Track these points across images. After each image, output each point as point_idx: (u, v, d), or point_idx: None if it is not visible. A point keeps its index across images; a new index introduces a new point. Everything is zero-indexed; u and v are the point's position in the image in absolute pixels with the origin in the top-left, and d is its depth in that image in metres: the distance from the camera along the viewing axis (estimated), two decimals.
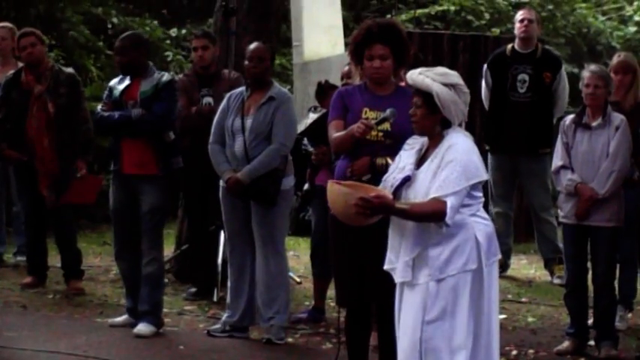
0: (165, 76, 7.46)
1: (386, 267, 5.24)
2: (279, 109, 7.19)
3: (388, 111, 5.74)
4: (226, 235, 7.56)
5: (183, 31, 14.37)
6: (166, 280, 8.38)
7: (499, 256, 5.25)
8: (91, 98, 10.27)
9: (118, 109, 7.34)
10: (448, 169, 5.00)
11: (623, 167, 7.11)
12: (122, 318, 7.60)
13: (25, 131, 8.45)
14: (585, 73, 7.17)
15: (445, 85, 5.11)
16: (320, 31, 12.67)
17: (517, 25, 9.39)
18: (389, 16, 14.50)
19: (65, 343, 7.05)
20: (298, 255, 10.11)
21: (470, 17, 15.68)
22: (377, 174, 5.61)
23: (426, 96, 5.12)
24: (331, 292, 7.14)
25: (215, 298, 8.24)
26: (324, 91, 7.86)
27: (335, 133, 5.93)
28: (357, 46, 5.94)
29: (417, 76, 5.15)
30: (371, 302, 5.88)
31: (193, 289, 8.48)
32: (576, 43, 15.82)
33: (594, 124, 7.14)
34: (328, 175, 6.78)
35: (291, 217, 9.61)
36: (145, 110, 7.26)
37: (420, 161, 5.17)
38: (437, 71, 5.16)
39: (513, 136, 9.19)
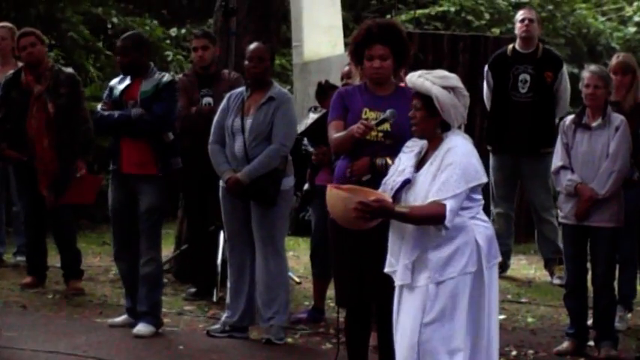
0: (166, 77, 7.46)
1: (386, 270, 5.24)
2: (279, 110, 7.19)
3: (388, 112, 5.74)
4: (226, 235, 7.56)
5: (183, 31, 14.35)
6: (166, 280, 8.39)
7: (499, 259, 5.25)
8: (91, 98, 10.27)
9: (118, 108, 7.34)
10: (447, 172, 5.00)
11: (623, 167, 7.11)
12: (122, 318, 7.60)
13: (25, 131, 8.44)
14: (585, 74, 7.17)
15: (445, 88, 5.11)
16: (320, 31, 12.67)
17: (518, 24, 9.38)
18: (389, 16, 14.49)
19: (65, 343, 7.05)
20: (298, 255, 10.10)
21: (470, 17, 15.66)
22: (377, 174, 5.61)
23: (425, 99, 5.12)
24: (331, 292, 7.13)
25: (215, 299, 8.24)
26: (324, 91, 7.85)
27: (335, 133, 5.92)
28: (357, 47, 5.94)
29: (417, 78, 5.15)
30: (371, 302, 5.88)
31: (193, 290, 8.48)
32: (576, 43, 15.80)
33: (594, 124, 7.14)
34: (328, 175, 6.77)
35: (291, 218, 9.59)
36: (145, 110, 7.27)
37: (420, 164, 5.17)
38: (436, 74, 5.16)
39: (515, 136, 9.19)
